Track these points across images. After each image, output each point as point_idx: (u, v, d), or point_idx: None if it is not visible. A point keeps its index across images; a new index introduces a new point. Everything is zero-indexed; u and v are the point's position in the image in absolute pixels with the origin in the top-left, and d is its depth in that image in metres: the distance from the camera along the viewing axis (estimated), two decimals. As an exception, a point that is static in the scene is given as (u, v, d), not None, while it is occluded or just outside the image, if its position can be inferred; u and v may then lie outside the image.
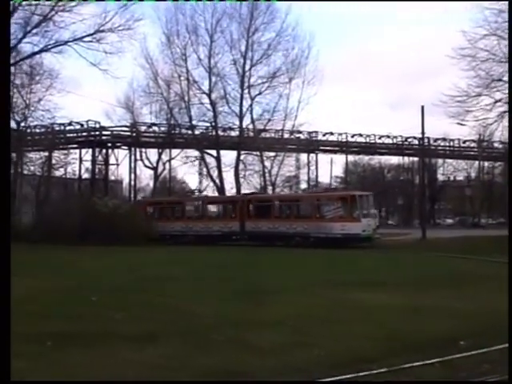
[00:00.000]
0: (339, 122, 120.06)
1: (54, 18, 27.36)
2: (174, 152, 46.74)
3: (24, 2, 26.75)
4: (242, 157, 43.36)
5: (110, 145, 47.33)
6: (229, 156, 44.31)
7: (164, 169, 48.30)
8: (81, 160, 45.82)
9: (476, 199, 63.45)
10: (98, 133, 45.98)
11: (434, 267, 16.75)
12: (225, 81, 42.15)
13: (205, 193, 44.96)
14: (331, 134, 53.42)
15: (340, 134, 53.87)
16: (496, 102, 26.87)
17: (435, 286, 11.74)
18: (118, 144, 47.74)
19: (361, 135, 55.27)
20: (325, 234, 27.24)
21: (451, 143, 58.63)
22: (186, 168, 50.13)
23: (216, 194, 41.42)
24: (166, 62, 42.62)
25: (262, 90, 41.86)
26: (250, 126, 43.85)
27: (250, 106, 42.35)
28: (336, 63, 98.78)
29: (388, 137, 56.46)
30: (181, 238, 31.22)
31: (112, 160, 47.45)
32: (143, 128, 46.70)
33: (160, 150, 46.71)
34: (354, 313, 8.67)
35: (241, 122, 42.93)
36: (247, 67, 41.35)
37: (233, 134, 45.11)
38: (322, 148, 54.38)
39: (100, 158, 46.70)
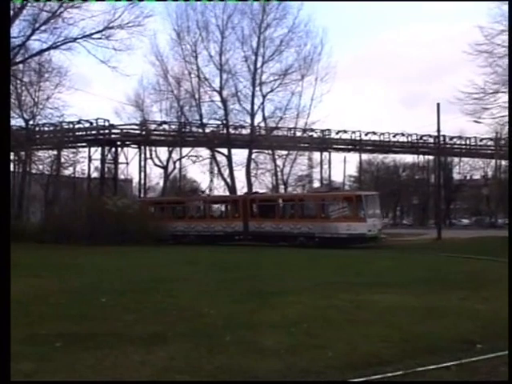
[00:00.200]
0: (352, 120, 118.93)
1: (63, 14, 27.01)
2: (185, 150, 46.22)
3: (32, -1, 26.24)
4: (253, 155, 42.76)
5: (119, 143, 46.74)
6: (240, 155, 43.81)
7: (174, 167, 47.76)
8: (90, 159, 45.22)
9: (493, 199, 62.55)
10: (107, 131, 45.32)
11: (449, 268, 16.37)
12: (236, 78, 41.59)
13: (215, 192, 44.38)
14: (344, 132, 52.62)
15: (353, 132, 53.10)
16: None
17: (451, 288, 11.38)
18: (128, 142, 47.19)
19: (375, 133, 54.33)
20: (330, 233, 27.08)
21: (467, 141, 58.02)
22: (196, 167, 49.58)
23: (227, 194, 40.67)
24: (176, 59, 42.24)
25: (274, 87, 41.29)
26: (262, 124, 43.26)
27: (262, 103, 41.79)
28: (349, 60, 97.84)
29: (403, 135, 55.50)
30: (182, 237, 30.77)
31: (121, 159, 46.98)
32: (153, 126, 46.20)
33: (170, 149, 46.19)
34: (368, 314, 8.53)
35: (252, 119, 42.32)
36: (259, 64, 40.78)
37: (244, 132, 44.48)
38: (335, 146, 53.64)
39: (109, 156, 46.10)
